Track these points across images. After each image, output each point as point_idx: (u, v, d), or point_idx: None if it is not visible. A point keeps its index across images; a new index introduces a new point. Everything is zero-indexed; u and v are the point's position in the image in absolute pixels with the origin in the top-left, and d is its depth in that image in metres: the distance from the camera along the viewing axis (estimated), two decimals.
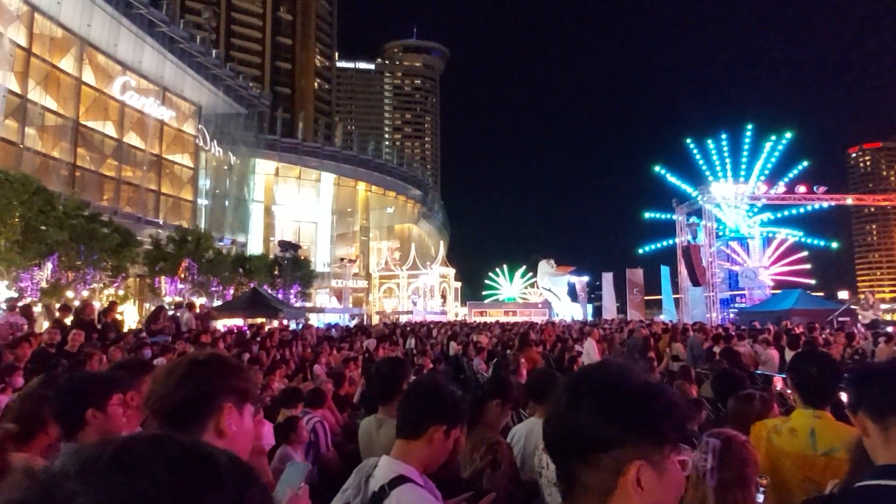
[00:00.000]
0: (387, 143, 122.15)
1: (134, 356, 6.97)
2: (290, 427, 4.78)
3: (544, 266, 58.10)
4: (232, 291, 29.02)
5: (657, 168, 37.14)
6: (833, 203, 32.90)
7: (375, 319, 43.49)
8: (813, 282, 37.05)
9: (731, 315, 32.00)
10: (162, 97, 37.48)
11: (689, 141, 37.49)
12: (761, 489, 1.90)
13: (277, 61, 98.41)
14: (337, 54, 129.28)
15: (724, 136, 37.07)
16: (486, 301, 63.16)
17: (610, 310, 46.85)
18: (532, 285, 64.27)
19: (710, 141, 37.13)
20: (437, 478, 2.30)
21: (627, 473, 0.97)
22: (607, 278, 48.02)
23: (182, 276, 26.09)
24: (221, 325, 19.67)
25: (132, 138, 35.70)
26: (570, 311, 52.50)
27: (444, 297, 58.12)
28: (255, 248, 45.92)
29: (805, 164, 35.17)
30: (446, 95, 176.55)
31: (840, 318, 23.16)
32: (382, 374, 3.49)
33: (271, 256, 39.19)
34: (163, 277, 26.39)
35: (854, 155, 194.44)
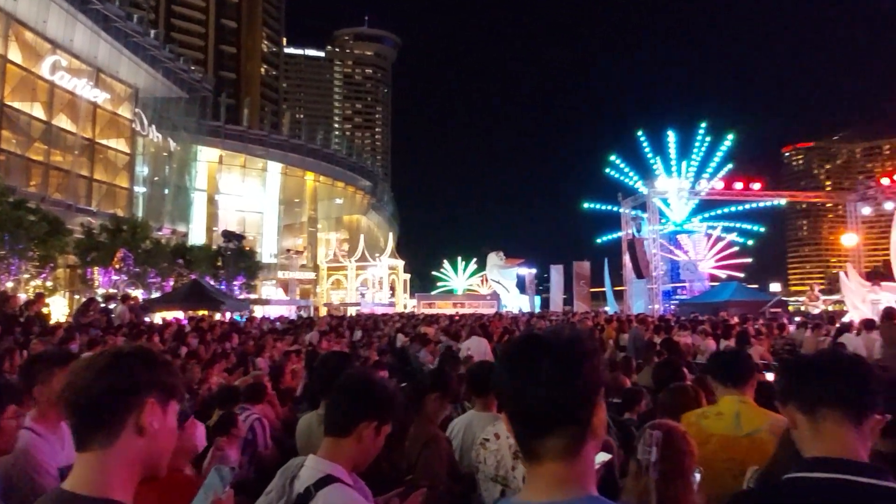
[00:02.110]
0: (336, 132, 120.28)
1: (55, 348, 6.54)
2: (230, 422, 4.57)
3: (494, 258, 58.61)
4: (172, 283, 27.97)
5: (612, 158, 38.06)
6: (768, 200, 34.45)
7: (323, 311, 42.85)
8: (742, 275, 38.70)
9: (673, 306, 33.12)
10: (95, 78, 35.47)
11: (640, 133, 38.55)
12: (697, 479, 1.90)
13: (222, 44, 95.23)
14: (285, 40, 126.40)
15: (669, 133, 38.30)
16: (434, 293, 63.27)
17: (557, 302, 47.69)
18: (482, 278, 64.79)
19: (643, 137, 38.40)
20: (376, 473, 2.20)
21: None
22: (556, 270, 48.82)
23: (117, 266, 24.92)
24: (160, 317, 18.94)
25: (62, 121, 33.69)
26: (518, 303, 53.14)
27: (392, 289, 57.90)
28: (197, 238, 44.42)
29: (743, 162, 36.82)
30: (398, 86, 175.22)
31: (772, 310, 24.32)
32: (326, 368, 3.36)
33: (214, 247, 37.98)
34: (96, 268, 25.16)
35: (788, 154, 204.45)
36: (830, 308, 25.58)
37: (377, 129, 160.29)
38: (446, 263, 69.41)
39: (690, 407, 3.17)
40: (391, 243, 60.84)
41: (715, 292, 32.34)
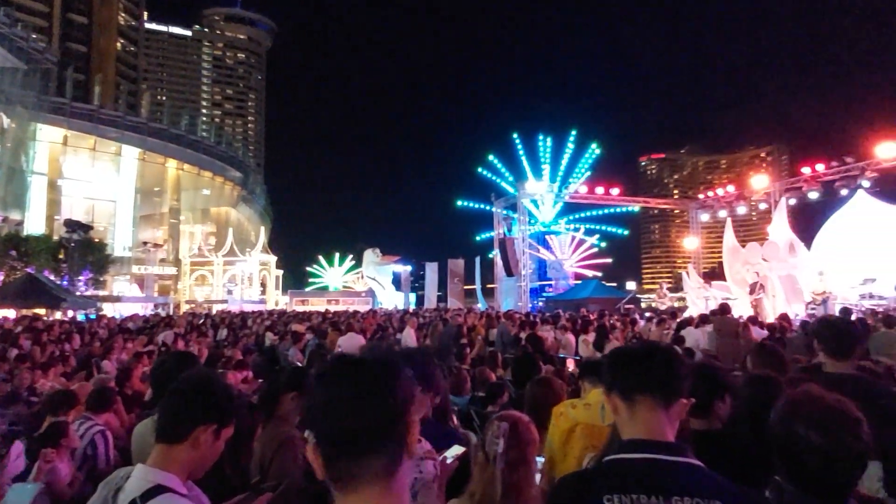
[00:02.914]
0: (204, 118, 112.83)
1: None
2: (60, 432, 4.06)
3: (370, 255, 58.26)
4: (2, 277, 24.70)
5: (490, 158, 39.75)
6: (625, 205, 37.45)
7: (185, 309, 40.01)
8: (601, 274, 41.75)
9: (540, 303, 34.92)
10: None
11: (515, 136, 40.40)
12: (538, 469, 1.99)
13: (70, 13, 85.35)
14: (146, 14, 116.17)
15: (541, 138, 40.65)
16: (309, 290, 61.62)
17: (431, 299, 48.39)
18: (358, 275, 64.17)
19: (518, 140, 40.49)
20: (220, 479, 2.06)
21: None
22: (431, 268, 49.47)
23: None
24: None
25: None
26: (393, 300, 53.26)
27: (263, 285, 55.57)
28: (35, 227, 39.53)
29: (605, 169, 39.87)
30: (273, 74, 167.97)
31: (626, 306, 26.48)
32: (162, 370, 3.09)
33: (56, 238, 34.03)
34: None
35: (644, 163, 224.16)
36: (676, 304, 28.31)
37: (250, 118, 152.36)
38: (322, 259, 67.92)
39: (552, 396, 3.34)
40: (263, 238, 58.32)
41: (577, 290, 34.62)
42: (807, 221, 23.61)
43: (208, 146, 60.72)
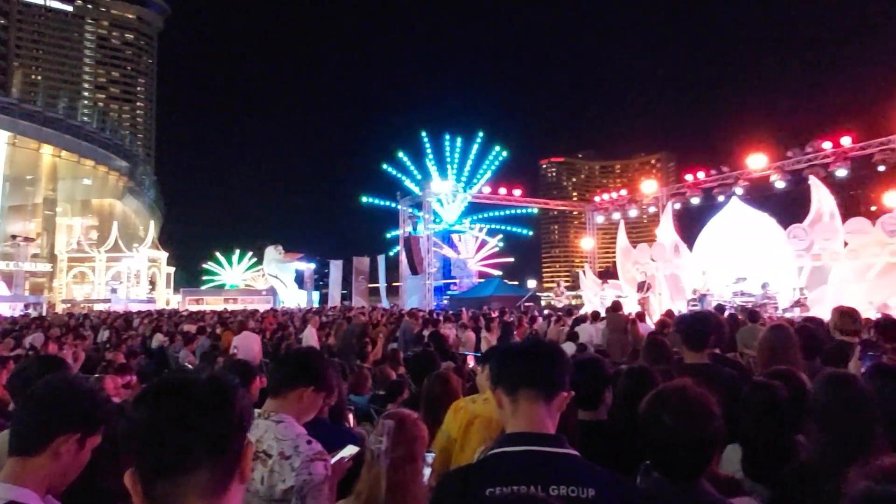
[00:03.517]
0: (86, 102, 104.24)
1: None
2: None
3: (271, 252, 56.41)
4: None
5: (400, 154, 39.85)
6: (526, 207, 38.74)
7: (61, 309, 36.74)
8: (500, 273, 42.98)
9: (445, 301, 35.33)
10: None
11: (424, 135, 40.61)
12: (428, 464, 2.00)
13: None
14: None
15: (447, 138, 41.25)
16: (204, 288, 58.58)
17: (335, 297, 47.67)
18: (259, 272, 61.94)
19: (426, 139, 40.94)
20: (89, 490, 1.89)
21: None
22: (335, 266, 48.68)
23: None
24: None
25: None
26: (296, 299, 51.95)
27: (152, 283, 52.18)
28: None
29: (509, 170, 41.13)
30: (166, 58, 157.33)
31: (526, 304, 27.38)
32: (25, 376, 2.79)
33: None
34: None
35: (544, 166, 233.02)
36: (573, 302, 29.65)
37: (139, 104, 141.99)
38: (219, 256, 64.85)
39: (449, 392, 3.38)
40: (153, 232, 54.72)
41: (480, 288, 35.37)
42: (690, 224, 25.58)
43: (90, 132, 55.99)
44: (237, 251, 66.68)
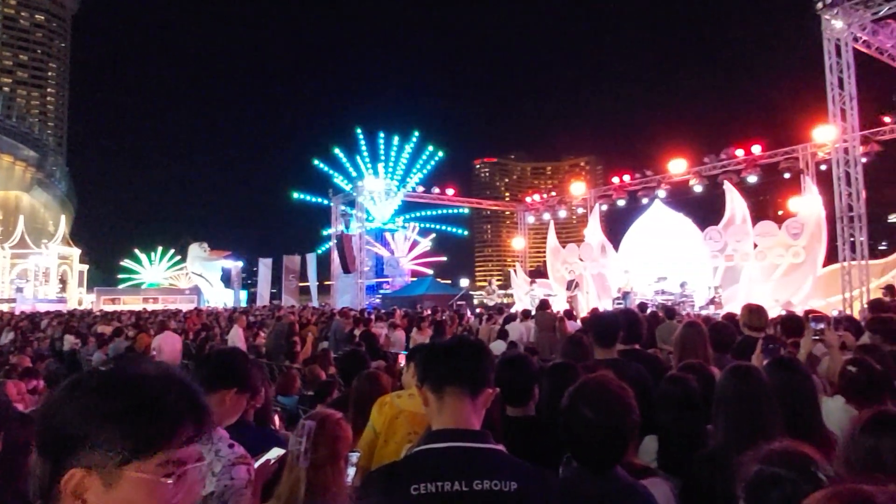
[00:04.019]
0: None
1: None
2: None
3: (196, 250, 54.25)
4: None
5: (336, 150, 39.21)
6: (459, 206, 39.04)
7: None
8: (431, 272, 43.14)
9: (377, 300, 35.07)
10: None
11: (359, 131, 40.11)
12: (353, 463, 1.98)
13: None
14: None
15: (382, 136, 40.97)
16: (122, 287, 55.54)
17: (264, 296, 46.42)
18: (182, 270, 59.43)
19: (361, 135, 40.58)
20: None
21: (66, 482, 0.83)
22: (264, 264, 47.39)
23: None
24: None
25: None
26: (222, 298, 50.21)
27: (63, 282, 49.01)
28: None
29: (443, 170, 41.33)
30: (81, 42, 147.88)
31: (458, 302, 27.62)
32: None
33: None
34: None
35: (478, 166, 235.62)
36: (504, 300, 30.14)
37: (49, 90, 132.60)
38: (139, 253, 61.65)
39: (378, 391, 3.37)
40: (63, 228, 51.32)
41: (413, 287, 35.36)
42: (616, 225, 26.58)
43: None
44: (159, 248, 63.87)
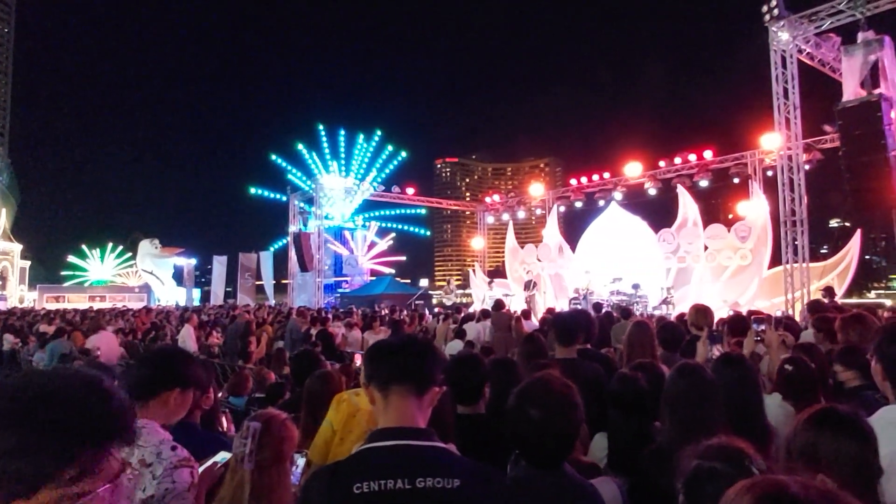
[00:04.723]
0: None
1: None
2: None
3: (147, 246, 52.52)
4: None
5: (298, 146, 38.67)
6: (420, 205, 38.98)
7: None
8: (393, 271, 42.97)
9: (335, 299, 34.69)
10: None
11: (321, 128, 39.55)
12: (299, 465, 1.96)
13: None
14: None
15: (343, 134, 40.50)
16: (67, 284, 53.33)
17: (218, 294, 45.33)
18: (132, 267, 57.55)
19: (323, 132, 40.07)
20: None
21: None
22: (219, 262, 46.26)
23: None
24: None
25: None
26: (174, 296, 48.77)
27: (3, 278, 46.84)
28: None
29: (404, 169, 41.07)
30: (26, 27, 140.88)
31: (417, 302, 27.58)
32: None
33: None
34: None
35: (439, 165, 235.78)
36: (463, 300, 30.25)
37: None
38: (86, 250, 59.38)
39: (331, 391, 3.33)
40: (4, 222, 49.02)
41: (372, 286, 35.14)
42: (573, 227, 27.02)
43: None
44: (109, 245, 61.66)
